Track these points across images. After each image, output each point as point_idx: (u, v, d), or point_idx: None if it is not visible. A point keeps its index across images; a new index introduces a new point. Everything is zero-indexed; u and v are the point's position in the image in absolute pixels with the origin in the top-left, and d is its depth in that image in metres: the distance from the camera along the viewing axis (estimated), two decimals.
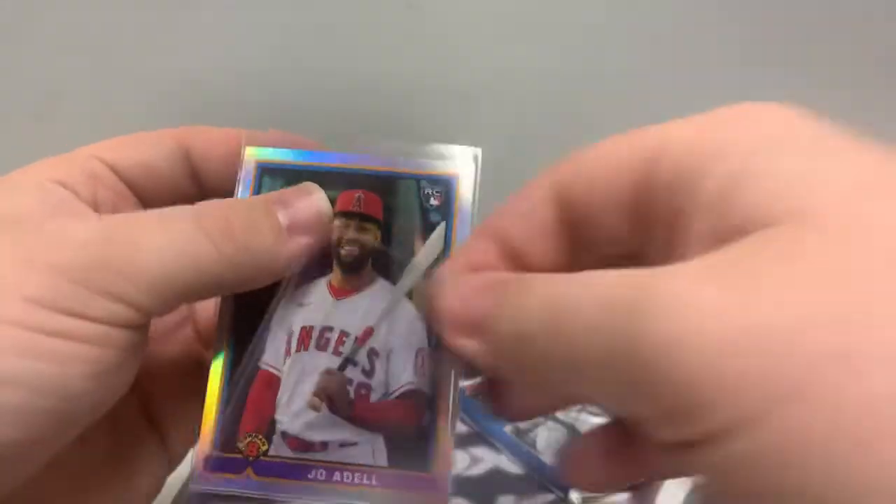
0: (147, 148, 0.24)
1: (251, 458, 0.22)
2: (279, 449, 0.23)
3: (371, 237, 0.24)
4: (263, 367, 0.23)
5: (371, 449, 0.23)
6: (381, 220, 0.24)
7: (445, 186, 0.24)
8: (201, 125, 0.25)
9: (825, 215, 0.14)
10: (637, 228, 0.18)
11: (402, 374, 0.23)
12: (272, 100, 0.47)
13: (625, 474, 0.21)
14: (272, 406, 0.23)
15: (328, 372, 0.23)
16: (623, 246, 0.19)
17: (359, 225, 0.24)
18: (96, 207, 0.22)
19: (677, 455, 0.14)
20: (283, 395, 0.23)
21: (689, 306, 0.14)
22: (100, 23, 0.44)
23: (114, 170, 0.24)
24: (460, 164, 0.25)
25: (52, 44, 0.44)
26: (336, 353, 0.23)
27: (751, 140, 0.16)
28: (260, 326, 0.24)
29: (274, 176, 0.24)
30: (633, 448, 0.21)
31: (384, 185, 0.24)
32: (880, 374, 0.12)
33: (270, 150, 0.25)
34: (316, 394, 0.23)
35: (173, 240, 0.20)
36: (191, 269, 0.20)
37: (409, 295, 0.24)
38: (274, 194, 0.23)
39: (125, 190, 0.24)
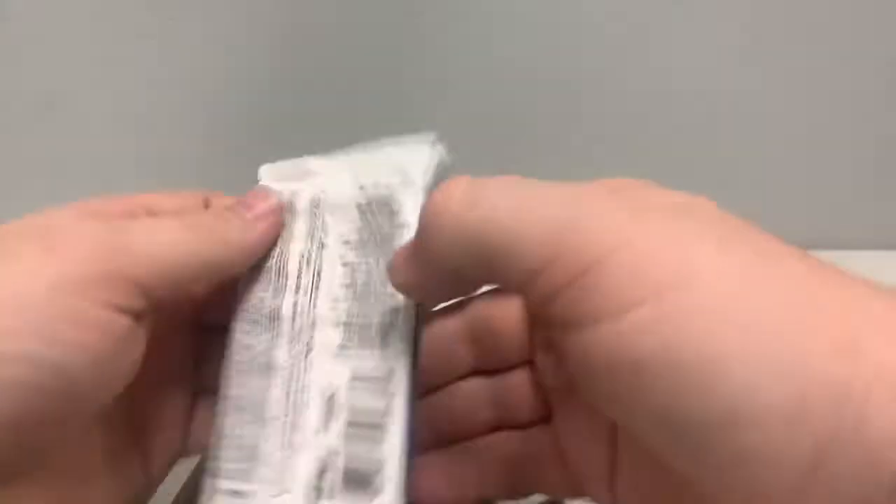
0: None
1: None
2: None
3: None
4: None
5: None
6: None
7: None
8: None
9: None
10: None
11: None
12: (272, 99, 0.46)
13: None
14: None
15: None
16: None
17: None
18: None
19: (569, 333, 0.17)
20: None
21: None
22: (99, 22, 0.44)
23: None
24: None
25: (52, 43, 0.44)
26: None
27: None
28: None
29: None
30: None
31: None
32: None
33: None
34: None
35: (164, 232, 0.23)
36: (181, 253, 0.23)
37: None
38: (236, 202, 0.26)
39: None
